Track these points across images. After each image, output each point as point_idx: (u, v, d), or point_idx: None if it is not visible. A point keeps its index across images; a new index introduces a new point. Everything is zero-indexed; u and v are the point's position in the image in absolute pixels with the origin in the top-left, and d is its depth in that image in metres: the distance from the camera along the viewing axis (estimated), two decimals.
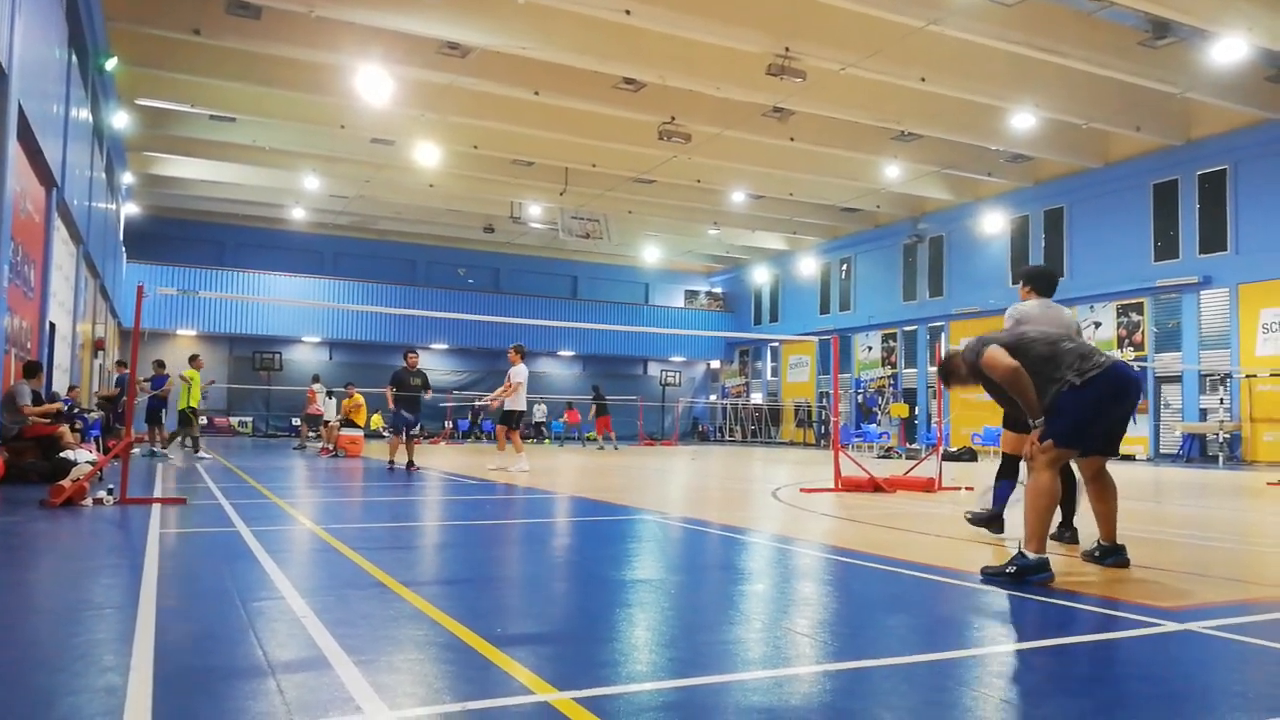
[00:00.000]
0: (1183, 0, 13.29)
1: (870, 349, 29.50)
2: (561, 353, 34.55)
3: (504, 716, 2.19)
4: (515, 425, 12.50)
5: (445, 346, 32.47)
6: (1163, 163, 20.61)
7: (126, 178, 24.04)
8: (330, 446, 17.27)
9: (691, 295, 38.69)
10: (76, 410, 11.25)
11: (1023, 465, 4.85)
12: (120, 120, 18.50)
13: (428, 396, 12.18)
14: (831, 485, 9.39)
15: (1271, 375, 18.37)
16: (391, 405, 12.18)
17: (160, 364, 16.60)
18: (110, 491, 6.85)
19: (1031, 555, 4.10)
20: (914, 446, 23.06)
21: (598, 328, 22.24)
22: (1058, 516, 5.20)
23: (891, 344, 28.72)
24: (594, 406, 24.33)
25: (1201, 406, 20.02)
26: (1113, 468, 4.80)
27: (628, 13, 13.60)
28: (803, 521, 6.85)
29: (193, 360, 15.65)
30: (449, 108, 18.79)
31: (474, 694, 2.33)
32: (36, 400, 9.26)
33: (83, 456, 8.55)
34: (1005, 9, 14.08)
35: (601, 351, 34.21)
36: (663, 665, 2.73)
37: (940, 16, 13.67)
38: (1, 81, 8.01)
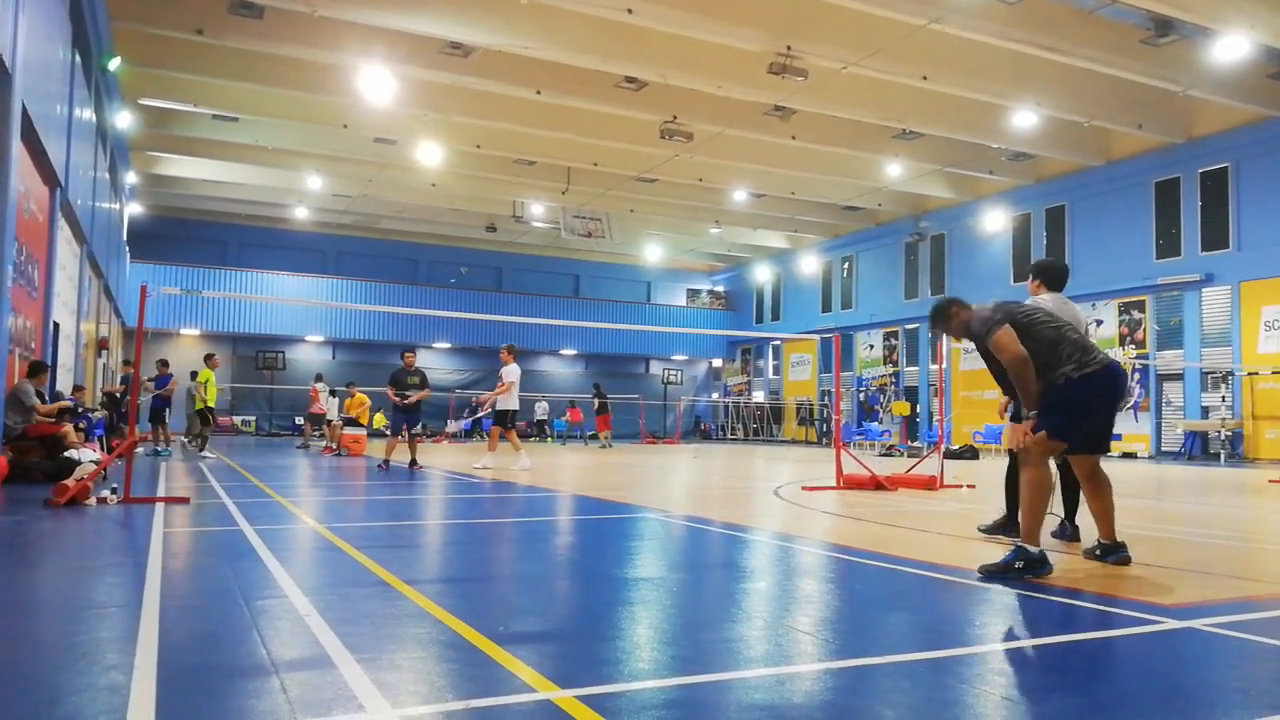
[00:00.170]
0: None
1: (872, 347, 29.48)
2: (564, 351, 34.56)
3: (507, 715, 2.19)
4: (510, 424, 12.49)
5: (448, 345, 32.49)
6: (1164, 160, 20.58)
7: (130, 177, 24.07)
8: (333, 445, 17.29)
9: (693, 294, 38.68)
10: (81, 410, 11.26)
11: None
12: (123, 120, 18.52)
13: (420, 397, 12.05)
14: (833, 483, 9.40)
15: (1273, 373, 18.34)
16: (397, 400, 12.13)
17: (164, 363, 16.63)
18: (114, 490, 6.86)
19: (1034, 549, 4.11)
20: (916, 444, 23.05)
21: (600, 326, 22.21)
22: (1053, 518, 5.18)
23: (893, 342, 28.70)
24: (595, 405, 24.36)
25: (1203, 404, 19.99)
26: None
27: (630, 12, 13.60)
28: (804, 519, 6.85)
29: (208, 360, 15.69)
30: (451, 107, 18.80)
31: (477, 692, 2.33)
32: (40, 400, 9.28)
33: (87, 456, 8.57)
34: (1007, 7, 14.06)
35: (604, 350, 34.22)
36: (665, 663, 2.73)
37: (941, 15, 13.66)
38: (5, 81, 8.02)
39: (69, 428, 9.32)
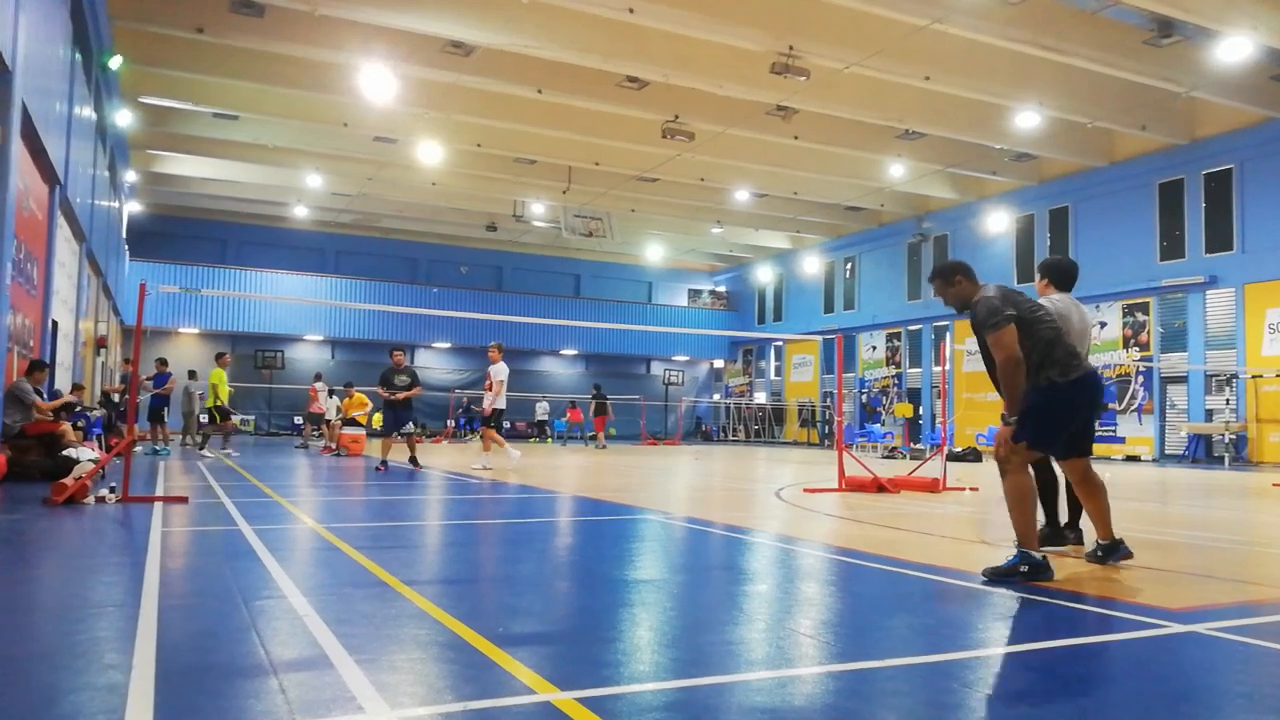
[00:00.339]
0: (1187, 0, 13.25)
1: (874, 348, 29.46)
2: (564, 351, 34.57)
3: (506, 716, 2.18)
4: (497, 423, 12.43)
5: (448, 345, 32.50)
6: (1168, 162, 20.56)
7: (129, 175, 24.07)
8: (332, 445, 17.28)
9: (695, 294, 38.67)
10: (79, 409, 11.25)
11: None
12: (123, 118, 18.52)
13: (409, 394, 11.94)
14: (835, 485, 9.38)
15: (1277, 375, 18.31)
16: (386, 396, 12.09)
17: (163, 362, 16.63)
18: (112, 489, 6.85)
19: (1037, 554, 4.11)
20: (918, 446, 23.03)
21: (601, 326, 22.19)
22: (1043, 516, 5.16)
23: (896, 343, 28.68)
24: (593, 405, 24.37)
25: (1207, 407, 19.96)
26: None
27: (631, 11, 13.59)
28: (806, 522, 6.84)
29: (219, 359, 15.68)
30: (452, 106, 18.80)
31: (476, 694, 2.32)
32: (39, 398, 9.27)
33: (85, 454, 8.55)
34: (1010, 7, 14.05)
35: (604, 350, 34.22)
36: (665, 665, 2.72)
37: (944, 15, 13.64)
38: (5, 79, 8.01)
39: (67, 426, 9.31)
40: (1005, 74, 16.60)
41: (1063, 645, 3.11)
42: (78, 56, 12.65)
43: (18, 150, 8.54)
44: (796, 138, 19.89)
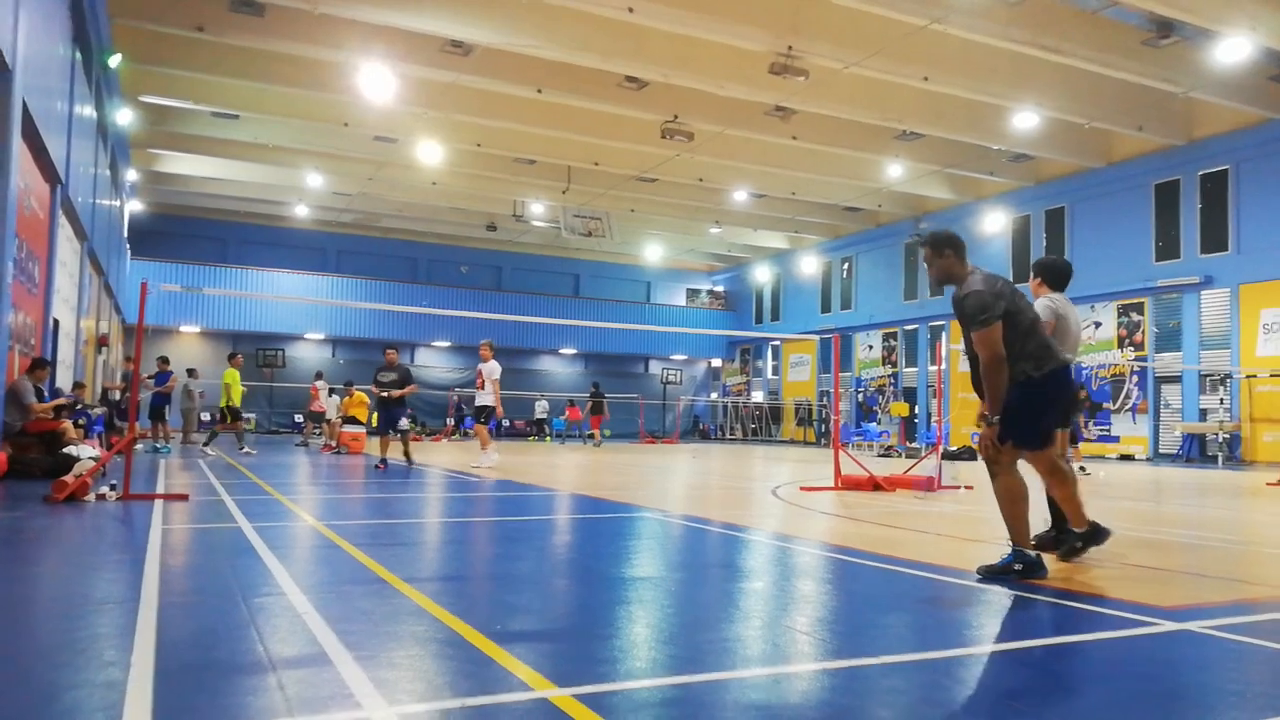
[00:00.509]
0: (1186, 0, 13.27)
1: (871, 348, 29.50)
2: (563, 350, 34.57)
3: (504, 713, 2.19)
4: (486, 420, 12.36)
5: (448, 344, 32.50)
6: (1165, 163, 20.59)
7: (130, 174, 24.06)
8: (333, 443, 17.30)
9: (693, 294, 38.69)
10: (80, 406, 11.26)
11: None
12: (124, 117, 18.52)
13: (402, 392, 11.85)
14: (831, 484, 9.40)
15: (1272, 376, 18.35)
16: (377, 392, 12.05)
17: (164, 360, 16.63)
18: (113, 487, 6.87)
19: (1031, 553, 4.13)
20: (914, 445, 23.06)
21: (600, 326, 22.22)
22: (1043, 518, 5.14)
23: (892, 343, 28.71)
24: (589, 403, 24.38)
25: (1201, 406, 20.00)
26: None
27: (631, 11, 13.60)
28: (802, 520, 6.86)
29: (232, 359, 15.66)
30: (452, 106, 18.80)
31: (474, 690, 2.34)
32: (39, 397, 9.28)
33: (86, 452, 8.56)
34: (1008, 8, 14.07)
35: (603, 349, 34.23)
36: (662, 662, 2.74)
37: (943, 15, 13.66)
38: (6, 78, 8.02)
39: (68, 424, 9.32)
40: (1004, 74, 16.62)
41: (1056, 643, 3.13)
42: (78, 55, 12.65)
43: (18, 149, 8.55)
44: (795, 138, 19.91)
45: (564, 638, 3.08)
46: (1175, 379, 20.68)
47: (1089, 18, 14.88)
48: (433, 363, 32.77)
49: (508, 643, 2.82)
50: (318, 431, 20.82)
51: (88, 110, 14.14)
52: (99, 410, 13.01)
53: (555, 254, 34.97)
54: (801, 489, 9.45)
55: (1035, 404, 4.16)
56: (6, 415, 8.78)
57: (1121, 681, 2.66)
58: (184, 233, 30.21)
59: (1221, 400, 19.20)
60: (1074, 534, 5.08)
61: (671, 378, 33.13)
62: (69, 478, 6.86)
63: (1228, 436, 18.81)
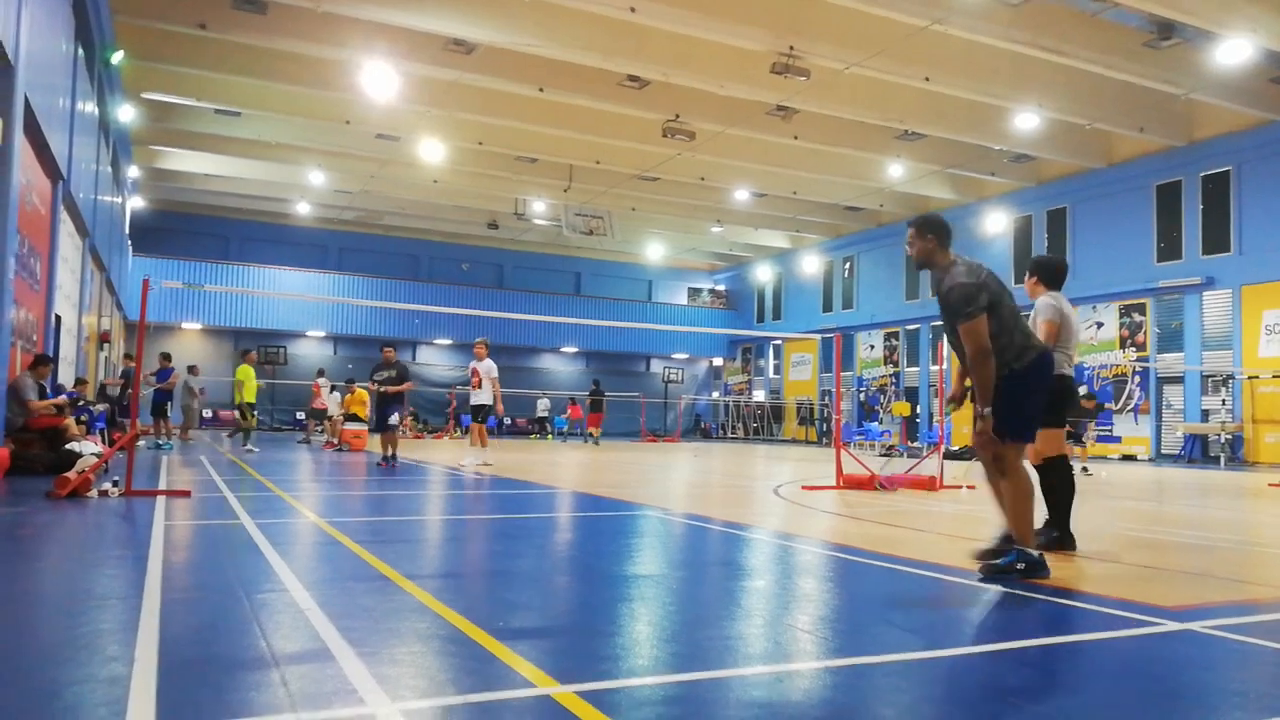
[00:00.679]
0: (1187, 1, 13.26)
1: (873, 348, 29.49)
2: (564, 349, 34.57)
3: (506, 709, 2.20)
4: (484, 419, 12.28)
5: (449, 342, 32.50)
6: (1166, 164, 20.57)
7: (132, 171, 24.08)
8: (335, 441, 17.30)
9: (695, 293, 38.68)
10: (81, 403, 11.25)
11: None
12: (126, 114, 18.52)
13: (398, 389, 11.80)
14: (833, 483, 9.40)
15: (1274, 376, 18.34)
16: (373, 389, 12.01)
17: (166, 356, 16.63)
18: (115, 483, 6.87)
19: (1034, 552, 4.12)
20: (915, 445, 23.06)
21: (601, 324, 22.20)
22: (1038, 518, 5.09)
23: (894, 343, 28.70)
24: (589, 401, 24.36)
25: (1203, 407, 19.99)
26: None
27: (633, 10, 13.60)
28: (804, 518, 6.86)
29: (245, 355, 15.65)
30: (454, 104, 18.80)
31: (476, 687, 2.34)
32: (40, 394, 9.28)
33: (88, 448, 8.57)
34: (1010, 9, 14.06)
35: (605, 348, 34.22)
36: (665, 660, 2.74)
37: (944, 16, 13.65)
38: (8, 74, 8.03)
39: (71, 420, 9.32)
40: (1005, 75, 16.61)
41: (1058, 642, 3.12)
42: (80, 52, 12.65)
43: (21, 145, 8.55)
44: (796, 138, 19.90)
45: (566, 635, 3.08)
46: (1177, 380, 20.67)
47: (1090, 19, 14.87)
48: (434, 360, 32.77)
49: (510, 639, 2.82)
50: (320, 429, 20.83)
51: (90, 106, 14.14)
52: (101, 407, 13.01)
53: (557, 252, 34.96)
54: (803, 488, 9.45)
55: (1020, 395, 4.15)
56: (9, 411, 8.79)
57: (1124, 681, 2.65)
58: (186, 230, 30.21)
59: (1223, 401, 19.19)
60: (1070, 536, 5.09)
61: (673, 376, 33.13)
62: (71, 474, 6.86)
63: (1230, 437, 18.80)
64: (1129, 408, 21.45)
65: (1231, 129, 19.11)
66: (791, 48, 14.89)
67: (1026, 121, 18.59)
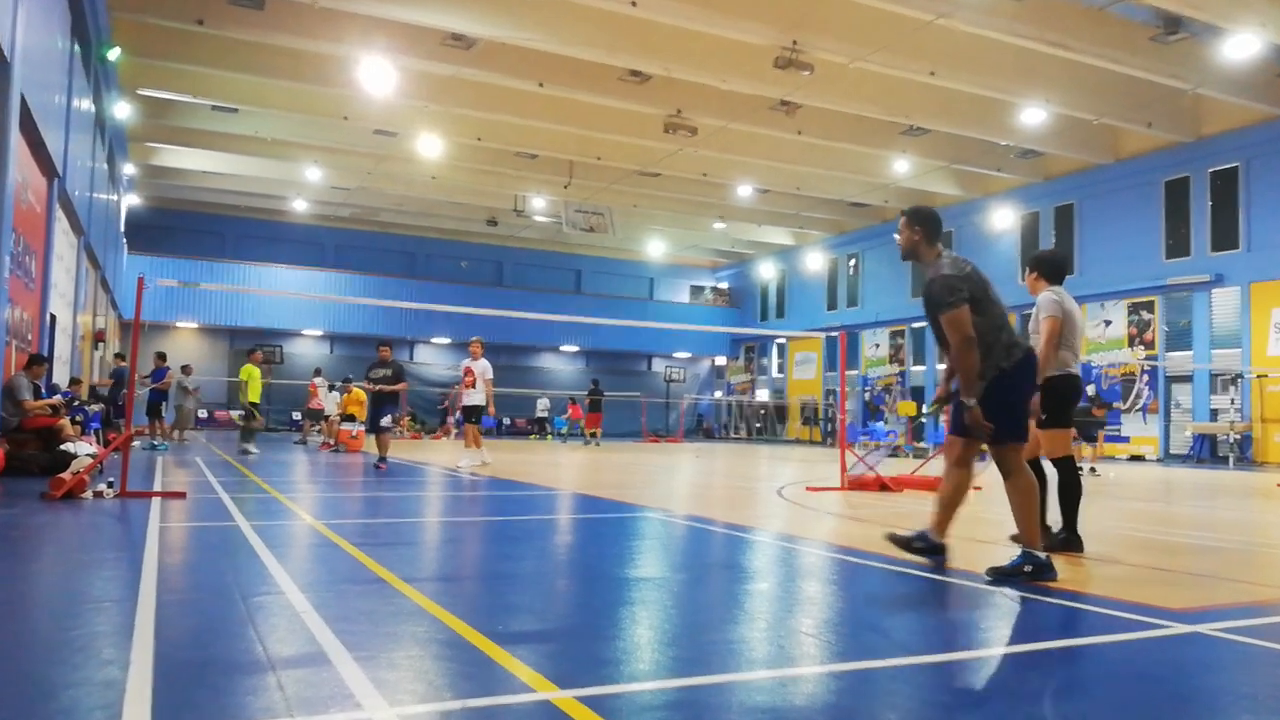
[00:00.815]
0: None
1: (878, 346, 29.44)
2: (565, 348, 34.55)
3: (505, 714, 2.16)
4: (477, 420, 12.17)
5: (447, 340, 32.47)
6: (1174, 159, 20.51)
7: (128, 168, 24.06)
8: (331, 441, 17.27)
9: (697, 290, 38.66)
10: (77, 403, 11.22)
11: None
12: (122, 110, 18.49)
13: (394, 388, 11.67)
14: (837, 484, 9.36)
15: None
16: (369, 388, 11.91)
17: (161, 356, 16.60)
18: (110, 484, 6.83)
19: (1041, 554, 4.08)
20: (921, 445, 23.01)
21: (602, 322, 22.10)
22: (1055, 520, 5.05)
23: (899, 341, 28.64)
24: (587, 401, 24.33)
25: (1212, 406, 19.94)
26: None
27: (634, 4, 13.55)
28: (808, 520, 6.82)
29: (250, 355, 15.57)
30: (452, 99, 18.76)
31: (475, 691, 2.30)
32: (35, 393, 9.24)
33: (83, 449, 8.53)
34: (1015, 3, 13.99)
35: (605, 347, 34.20)
36: (666, 664, 2.71)
37: (950, 10, 13.59)
38: (4, 71, 7.98)
39: (65, 421, 9.28)
40: (1011, 70, 16.54)
41: (1065, 645, 3.10)
42: (76, 48, 12.60)
43: (16, 142, 8.51)
44: (800, 133, 19.84)
45: (566, 639, 3.04)
46: (1186, 378, 20.62)
47: (1096, 13, 14.80)
48: (432, 360, 32.76)
49: (509, 644, 2.78)
50: (316, 429, 20.80)
51: (86, 104, 14.10)
52: (96, 407, 12.97)
53: (557, 249, 34.93)
54: (807, 489, 9.41)
55: (1011, 395, 4.14)
56: (3, 412, 8.75)
57: (1131, 684, 2.62)
58: (182, 227, 30.19)
59: (1232, 400, 19.14)
60: (1077, 537, 5.04)
61: (675, 376, 33.09)
62: (66, 475, 6.83)
63: (1239, 437, 18.74)
64: (1137, 407, 21.39)
65: (1239, 124, 19.04)
66: (795, 42, 14.83)
67: (1033, 117, 18.53)
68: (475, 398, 11.93)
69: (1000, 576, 4.07)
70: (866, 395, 29.70)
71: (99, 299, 20.34)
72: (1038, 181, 23.67)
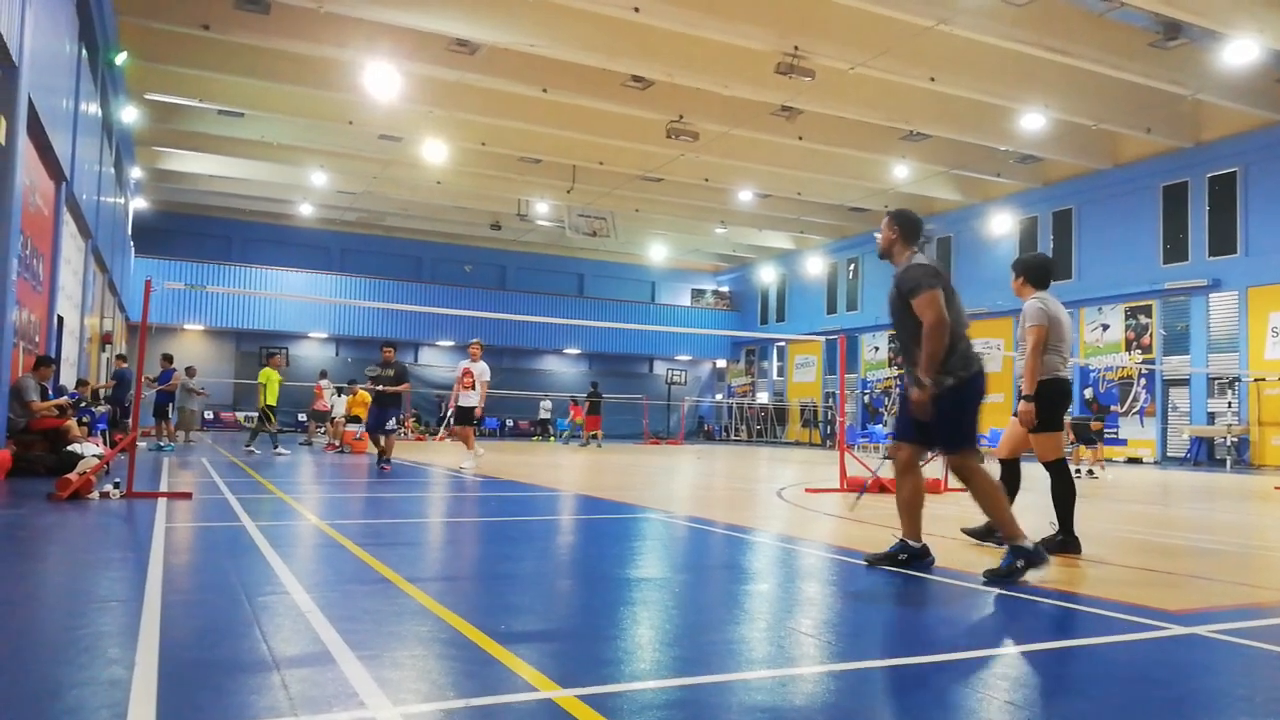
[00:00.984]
0: (1194, 1, 13.22)
1: (877, 349, 29.45)
2: (567, 351, 34.56)
3: (508, 713, 2.18)
4: (472, 422, 12.12)
5: (451, 343, 32.50)
6: (1172, 165, 20.52)
7: (135, 172, 24.12)
8: (336, 442, 17.31)
9: (698, 294, 38.65)
10: (84, 405, 11.26)
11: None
12: (129, 115, 18.56)
13: (396, 390, 11.63)
14: (837, 486, 9.37)
15: None
16: (370, 389, 11.92)
17: (168, 358, 16.65)
18: (117, 485, 6.87)
19: (1027, 544, 4.11)
20: None
21: (604, 326, 22.11)
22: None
23: (898, 345, 28.63)
24: (587, 404, 24.33)
25: (1209, 410, 19.92)
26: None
27: (636, 10, 13.59)
28: (808, 522, 6.84)
29: (270, 359, 15.71)
30: (457, 104, 18.81)
31: (478, 690, 2.33)
32: (43, 395, 9.29)
33: (90, 450, 8.57)
34: (1015, 9, 14.02)
35: (607, 350, 34.21)
36: (667, 664, 2.73)
37: (950, 16, 13.63)
38: (13, 75, 8.04)
39: (73, 422, 9.33)
40: (1010, 75, 16.57)
41: (1062, 646, 3.12)
42: (84, 52, 12.67)
43: (24, 146, 8.56)
44: (801, 138, 19.88)
45: (568, 638, 3.06)
46: (1183, 382, 20.60)
47: (1095, 19, 14.83)
48: (436, 362, 32.77)
49: (511, 643, 2.81)
50: (321, 431, 20.84)
51: (93, 107, 14.17)
52: (103, 408, 13.02)
53: (559, 253, 34.96)
54: (807, 491, 9.43)
55: (958, 410, 4.19)
56: (11, 413, 8.80)
57: (1128, 685, 2.64)
58: (188, 231, 30.26)
59: (1230, 403, 19.13)
60: (1075, 539, 5.06)
61: (676, 378, 33.07)
62: (73, 475, 6.86)
63: (1236, 440, 18.73)
64: (1134, 410, 21.38)
65: (1238, 130, 19.05)
66: (796, 48, 14.87)
67: (1032, 122, 18.55)
68: (471, 399, 11.90)
69: (996, 578, 4.10)
70: (866, 398, 29.70)
71: (106, 301, 20.40)
72: (1037, 186, 23.68)
